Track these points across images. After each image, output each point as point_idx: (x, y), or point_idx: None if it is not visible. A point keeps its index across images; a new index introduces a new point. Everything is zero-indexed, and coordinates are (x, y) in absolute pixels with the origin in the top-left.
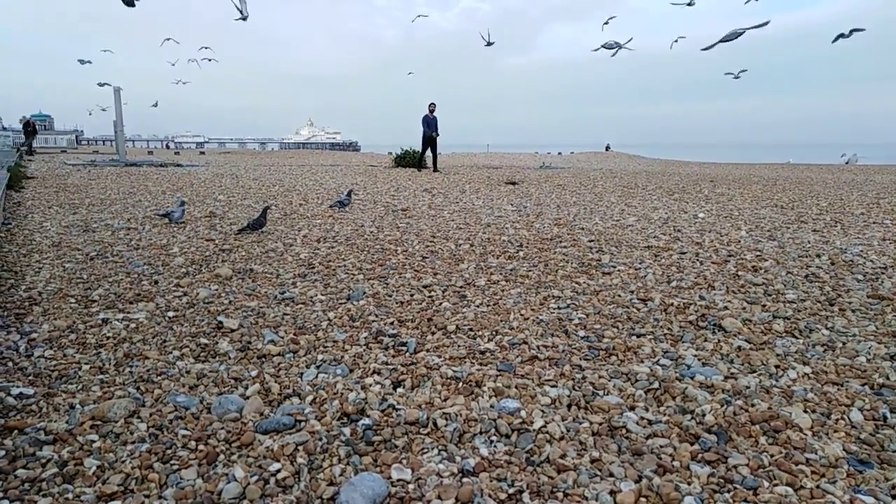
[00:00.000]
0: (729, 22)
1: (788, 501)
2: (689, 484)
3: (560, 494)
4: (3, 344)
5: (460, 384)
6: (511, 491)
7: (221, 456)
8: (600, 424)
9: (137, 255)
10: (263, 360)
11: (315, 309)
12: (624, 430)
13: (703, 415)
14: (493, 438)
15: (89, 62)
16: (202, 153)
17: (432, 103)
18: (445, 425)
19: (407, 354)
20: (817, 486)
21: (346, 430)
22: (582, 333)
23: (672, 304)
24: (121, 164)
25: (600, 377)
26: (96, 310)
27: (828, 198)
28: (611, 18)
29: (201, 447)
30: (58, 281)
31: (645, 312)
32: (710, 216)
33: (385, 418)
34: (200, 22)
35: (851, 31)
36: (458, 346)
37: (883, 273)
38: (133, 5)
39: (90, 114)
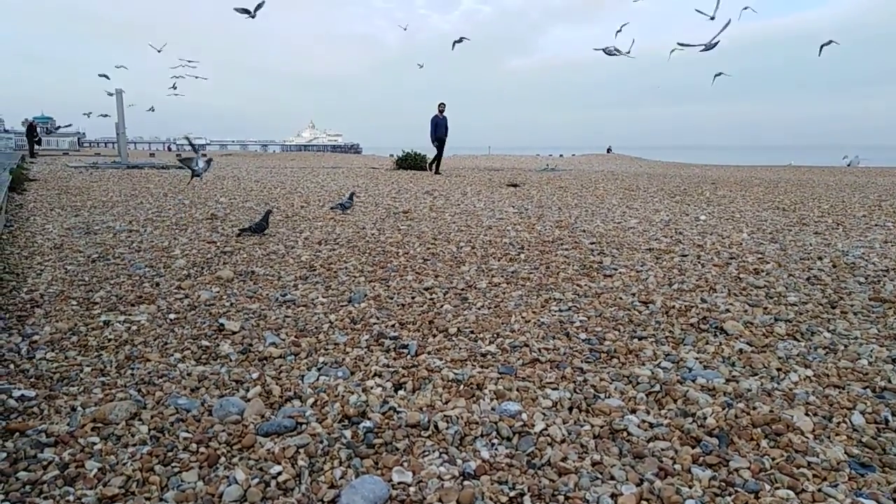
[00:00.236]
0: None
1: None
2: (690, 487)
3: (561, 497)
4: (4, 346)
5: (461, 387)
6: (512, 494)
7: (222, 458)
8: (601, 427)
9: (139, 258)
10: (265, 362)
11: (316, 311)
12: (625, 433)
13: (705, 418)
14: (495, 441)
15: (106, 77)
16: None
17: (442, 103)
18: (446, 428)
19: (408, 357)
20: (819, 490)
21: (347, 433)
22: (583, 336)
23: (673, 307)
24: (123, 167)
25: (601, 380)
26: (98, 312)
27: (829, 200)
28: (623, 26)
29: (202, 450)
30: (59, 283)
31: (646, 315)
32: (712, 218)
33: (386, 421)
34: (201, 22)
35: (822, 47)
36: (460, 348)
37: (885, 276)
38: (254, 16)
39: (87, 116)
